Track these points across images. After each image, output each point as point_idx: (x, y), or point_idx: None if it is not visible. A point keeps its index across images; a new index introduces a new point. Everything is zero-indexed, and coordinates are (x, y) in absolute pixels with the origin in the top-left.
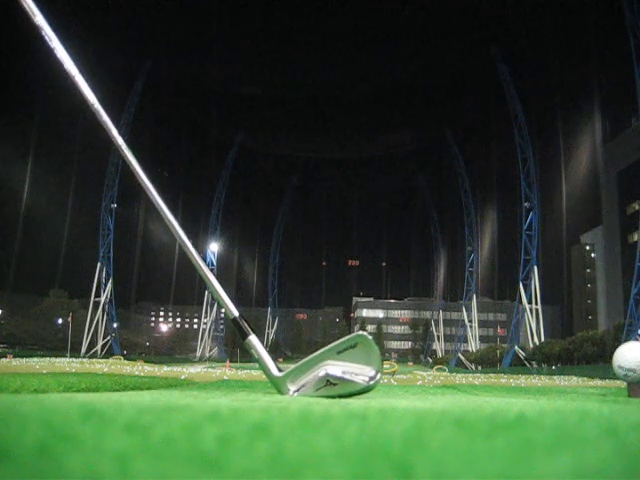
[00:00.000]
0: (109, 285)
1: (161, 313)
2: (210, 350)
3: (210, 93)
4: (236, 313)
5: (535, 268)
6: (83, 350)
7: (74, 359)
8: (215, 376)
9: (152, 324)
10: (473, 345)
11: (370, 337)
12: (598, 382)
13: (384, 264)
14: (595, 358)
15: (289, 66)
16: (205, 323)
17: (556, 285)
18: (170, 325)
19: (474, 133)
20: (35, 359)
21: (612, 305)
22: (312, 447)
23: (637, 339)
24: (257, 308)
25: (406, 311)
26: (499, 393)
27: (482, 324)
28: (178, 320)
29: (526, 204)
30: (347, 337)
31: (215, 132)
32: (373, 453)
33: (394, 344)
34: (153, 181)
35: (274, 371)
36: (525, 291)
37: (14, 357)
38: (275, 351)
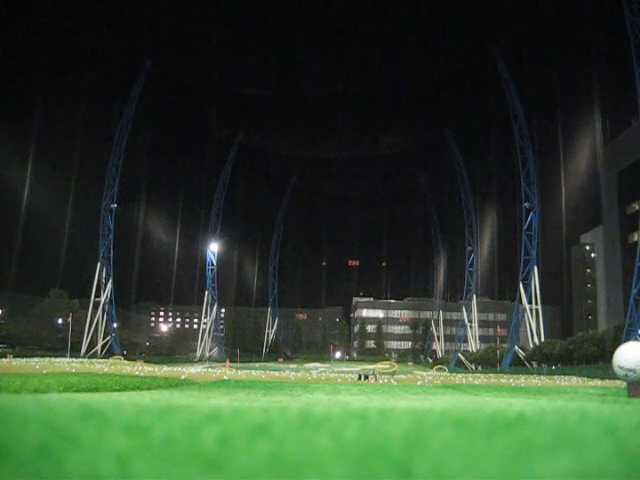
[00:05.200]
0: (109, 285)
1: (161, 313)
2: (210, 350)
3: (210, 93)
4: None
5: (535, 268)
6: (83, 350)
7: (74, 359)
8: (215, 376)
9: (152, 324)
10: (473, 345)
11: None
12: (598, 382)
13: (384, 264)
14: (595, 358)
15: (289, 66)
16: (205, 323)
17: (556, 285)
18: (170, 325)
19: (474, 133)
20: (35, 359)
21: (612, 305)
22: (312, 447)
23: (637, 339)
24: (257, 308)
25: (406, 311)
26: (499, 393)
27: (482, 324)
28: (178, 320)
29: (526, 204)
30: None
31: (215, 132)
32: (373, 453)
33: (394, 344)
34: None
35: None
36: (525, 291)
37: (14, 357)
38: (275, 351)
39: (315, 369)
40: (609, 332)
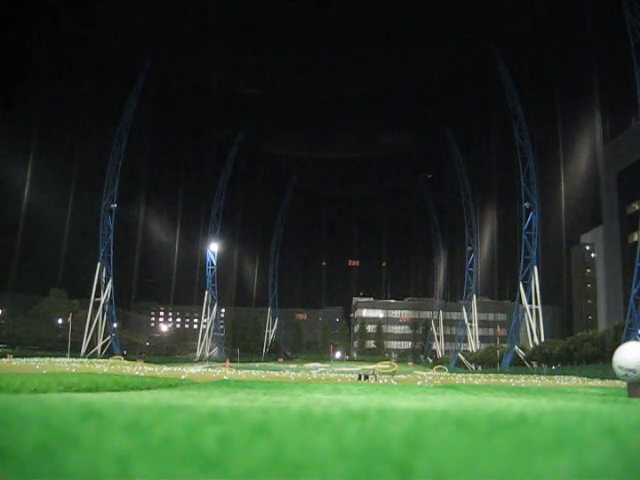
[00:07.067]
0: (109, 285)
1: (161, 313)
2: (210, 350)
3: (210, 93)
4: None
5: (535, 268)
6: (83, 350)
7: (74, 359)
8: (215, 376)
9: (152, 324)
10: (473, 345)
11: None
12: (598, 382)
13: (384, 264)
14: (595, 358)
15: (289, 66)
16: (205, 323)
17: (556, 285)
18: (170, 325)
19: (474, 133)
20: (35, 359)
21: (612, 305)
22: (312, 447)
23: (637, 339)
24: (257, 308)
25: (406, 311)
26: (499, 393)
27: (482, 324)
28: (178, 320)
29: (526, 204)
30: None
31: (215, 132)
32: (373, 453)
33: (394, 344)
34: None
35: None
36: (525, 291)
37: (14, 357)
38: (275, 351)
39: (315, 369)
40: (609, 332)
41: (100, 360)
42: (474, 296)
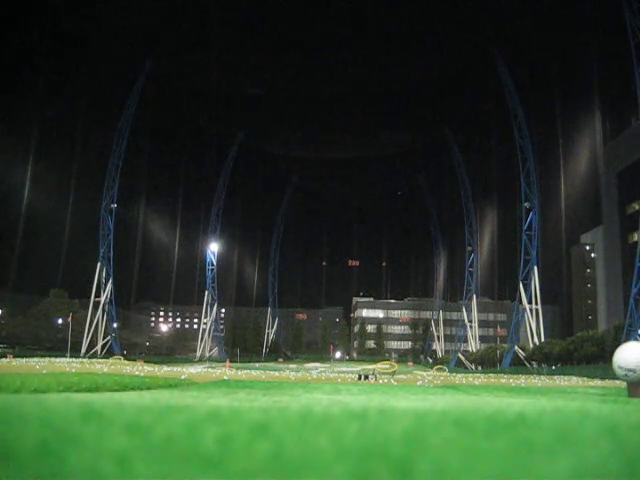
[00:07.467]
0: (109, 285)
1: (161, 313)
2: (210, 350)
3: (210, 93)
4: None
5: (535, 268)
6: (83, 350)
7: (74, 359)
8: (215, 376)
9: (152, 324)
10: (473, 345)
11: None
12: (598, 382)
13: (384, 264)
14: (595, 358)
15: (289, 66)
16: (205, 323)
17: (556, 285)
18: (170, 325)
19: (474, 133)
20: (35, 359)
21: (612, 305)
22: (312, 447)
23: (637, 339)
24: (257, 308)
25: (406, 311)
26: (499, 393)
27: (482, 324)
28: (178, 320)
29: (526, 204)
30: None
31: (215, 132)
32: (373, 453)
33: (394, 344)
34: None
35: None
36: (525, 291)
37: (14, 357)
38: (275, 351)
39: (315, 369)
40: (609, 332)
41: (100, 360)
42: (474, 296)
